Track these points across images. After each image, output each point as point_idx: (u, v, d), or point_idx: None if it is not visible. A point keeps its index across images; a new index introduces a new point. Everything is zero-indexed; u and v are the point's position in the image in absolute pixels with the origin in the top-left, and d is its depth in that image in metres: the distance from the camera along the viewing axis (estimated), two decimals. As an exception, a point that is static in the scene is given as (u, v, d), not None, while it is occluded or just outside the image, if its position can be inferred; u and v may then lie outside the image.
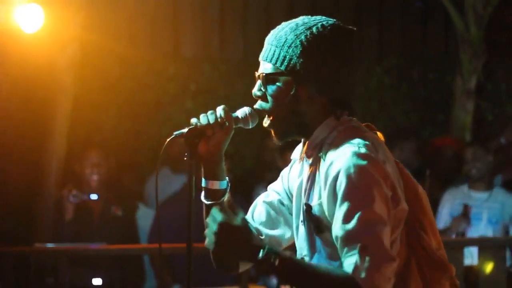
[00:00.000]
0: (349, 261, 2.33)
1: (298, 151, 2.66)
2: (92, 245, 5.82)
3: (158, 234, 6.08)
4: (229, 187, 2.62)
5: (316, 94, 2.50)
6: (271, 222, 2.71)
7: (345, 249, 2.35)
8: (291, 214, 2.69)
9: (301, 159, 2.61)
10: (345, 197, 2.37)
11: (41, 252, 5.72)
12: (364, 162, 2.38)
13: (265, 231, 2.70)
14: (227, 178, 2.61)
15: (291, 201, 2.69)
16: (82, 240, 5.97)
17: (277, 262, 2.33)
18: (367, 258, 2.31)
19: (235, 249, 2.37)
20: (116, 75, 7.88)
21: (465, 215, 6.45)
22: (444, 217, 6.56)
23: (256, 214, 2.71)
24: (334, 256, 2.47)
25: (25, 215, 6.32)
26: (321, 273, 2.35)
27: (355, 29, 2.57)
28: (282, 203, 2.72)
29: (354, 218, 2.34)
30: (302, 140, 2.60)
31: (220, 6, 8.43)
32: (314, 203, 2.48)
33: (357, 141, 2.44)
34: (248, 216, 2.73)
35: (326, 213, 2.43)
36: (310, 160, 2.54)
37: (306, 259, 2.58)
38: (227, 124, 2.57)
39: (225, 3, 8.45)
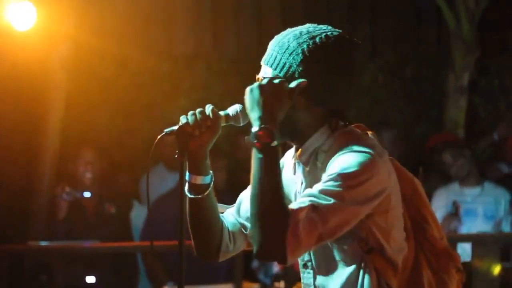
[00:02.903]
0: (300, 202, 2.38)
1: (289, 155, 2.68)
2: (85, 243, 5.82)
3: (150, 232, 6.09)
4: (212, 181, 2.63)
5: (312, 104, 2.51)
6: None
7: (303, 198, 2.39)
8: None
9: (294, 164, 2.63)
10: (333, 170, 2.41)
11: (35, 250, 5.73)
12: (364, 156, 2.42)
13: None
14: (211, 173, 2.63)
15: None
16: (75, 238, 5.97)
17: (271, 137, 2.39)
18: (313, 216, 2.35)
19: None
20: (109, 73, 7.87)
21: (456, 213, 6.46)
22: (439, 217, 6.54)
23: (243, 209, 2.73)
24: (344, 263, 2.52)
25: (19, 214, 6.32)
26: (279, 186, 2.38)
27: (360, 42, 2.57)
28: None
29: (331, 184, 2.38)
30: (294, 146, 2.62)
31: (213, 5, 8.43)
32: None
33: (356, 145, 2.46)
34: (234, 212, 2.75)
35: None
36: (307, 167, 2.57)
37: (309, 264, 2.61)
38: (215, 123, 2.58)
39: (218, 1, 8.45)
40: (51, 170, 6.45)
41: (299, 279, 6.33)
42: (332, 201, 2.36)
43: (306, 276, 2.64)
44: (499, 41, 8.73)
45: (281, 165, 2.70)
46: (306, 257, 2.62)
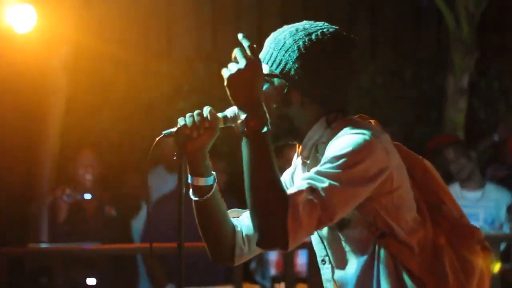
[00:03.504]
0: (298, 186, 2.36)
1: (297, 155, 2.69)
2: (86, 245, 5.83)
3: (150, 234, 6.09)
4: (215, 182, 2.63)
5: (308, 100, 2.51)
6: None
7: (300, 182, 2.37)
8: None
9: (303, 163, 2.62)
10: (329, 152, 2.40)
11: (35, 252, 5.73)
12: (360, 136, 2.40)
13: None
14: (213, 173, 2.62)
15: None
16: (76, 240, 5.97)
17: (259, 124, 2.36)
18: (312, 198, 2.33)
19: (248, 85, 2.39)
20: (109, 76, 7.88)
21: None
22: None
23: None
24: (357, 252, 2.50)
25: (19, 216, 6.32)
26: (274, 172, 2.36)
27: (356, 38, 2.56)
28: None
29: (327, 166, 2.36)
30: (297, 144, 2.61)
31: (212, 6, 8.43)
32: None
33: (351, 127, 2.45)
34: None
35: None
36: (308, 162, 2.56)
37: (326, 259, 2.60)
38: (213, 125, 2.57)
39: (218, 3, 8.45)
40: (51, 173, 6.45)
41: (299, 281, 6.36)
42: (329, 182, 2.34)
43: (325, 271, 2.62)
44: (499, 42, 8.73)
45: (294, 167, 2.72)
46: (323, 252, 2.60)
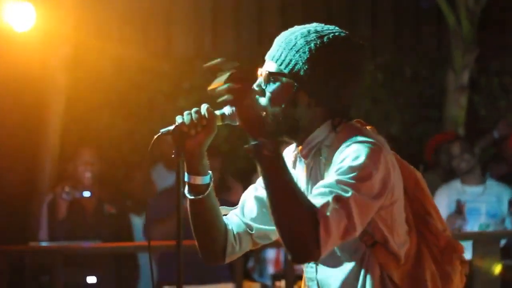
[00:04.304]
0: (321, 199, 2.33)
1: (289, 151, 2.68)
2: (86, 243, 5.83)
3: (148, 231, 6.09)
4: (212, 181, 2.63)
5: (315, 102, 2.51)
6: (262, 218, 2.72)
7: (321, 190, 2.36)
8: None
9: (295, 160, 2.63)
10: (344, 162, 2.39)
11: (36, 250, 5.73)
12: (371, 147, 2.41)
13: (255, 225, 2.72)
14: (210, 172, 2.62)
15: None
16: (76, 238, 5.97)
17: (271, 150, 2.34)
18: (338, 208, 2.32)
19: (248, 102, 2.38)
20: (109, 74, 7.88)
21: (460, 211, 6.45)
22: (442, 215, 6.49)
23: (247, 209, 2.73)
24: (345, 257, 2.51)
25: (20, 214, 6.33)
26: (294, 188, 2.34)
27: (365, 44, 2.57)
28: None
29: (345, 176, 2.36)
30: (295, 143, 2.61)
31: (212, 5, 8.43)
32: None
33: (359, 135, 2.45)
34: (238, 212, 2.75)
35: None
36: (307, 161, 2.57)
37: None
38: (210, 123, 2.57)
39: (217, 2, 8.45)
40: (51, 171, 6.46)
41: (299, 279, 6.35)
42: (351, 192, 2.33)
43: (309, 270, 2.63)
44: (499, 39, 8.73)
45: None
46: None
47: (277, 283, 6.33)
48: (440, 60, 8.69)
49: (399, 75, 8.87)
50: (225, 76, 2.42)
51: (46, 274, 5.88)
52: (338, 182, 2.35)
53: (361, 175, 2.36)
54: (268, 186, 2.35)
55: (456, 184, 6.62)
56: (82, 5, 6.76)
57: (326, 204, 2.31)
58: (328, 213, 2.30)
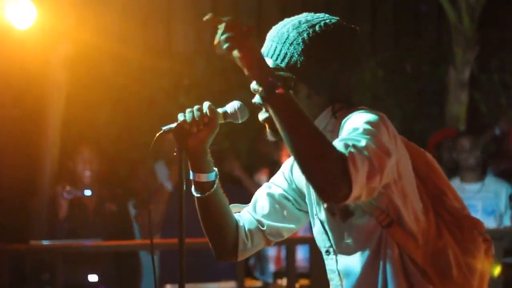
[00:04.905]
0: (338, 144, 2.26)
1: None
2: (87, 242, 5.82)
3: (149, 230, 6.08)
4: (217, 178, 2.62)
5: (314, 91, 2.50)
6: (274, 215, 2.72)
7: (336, 143, 2.28)
8: (298, 209, 2.72)
9: None
10: (351, 124, 2.35)
11: (37, 249, 5.72)
12: (371, 113, 2.39)
13: (267, 222, 2.71)
14: (215, 169, 2.62)
15: (298, 195, 2.71)
16: (77, 237, 5.97)
17: (280, 89, 2.26)
18: (356, 152, 2.24)
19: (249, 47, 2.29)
20: (109, 71, 7.87)
21: None
22: None
23: (259, 206, 2.72)
24: (362, 242, 2.48)
25: (20, 213, 6.32)
26: (314, 125, 2.27)
27: (357, 28, 2.56)
28: (287, 198, 2.72)
29: (361, 130, 2.30)
30: None
31: (212, 1, 8.42)
32: None
33: (366, 111, 2.43)
34: (250, 209, 2.74)
35: None
36: None
37: (331, 250, 2.58)
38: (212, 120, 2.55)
39: (217, -3, 8.45)
40: (51, 169, 6.45)
41: (301, 276, 6.35)
42: (365, 141, 2.25)
43: (329, 262, 2.61)
44: (500, 35, 8.72)
45: (293, 160, 2.69)
46: (327, 243, 2.59)
47: (279, 281, 6.33)
48: (441, 56, 8.69)
49: (399, 71, 8.87)
50: (221, 28, 2.36)
51: (47, 273, 5.88)
52: (347, 138, 2.28)
53: (370, 131, 2.30)
54: (287, 127, 2.26)
55: (455, 182, 6.60)
56: (82, 3, 6.75)
57: (346, 146, 2.24)
58: (352, 150, 2.22)
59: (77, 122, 7.51)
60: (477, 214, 6.48)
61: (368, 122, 2.33)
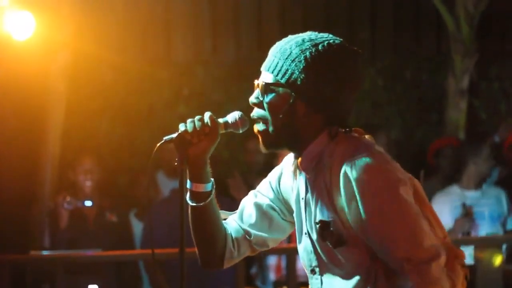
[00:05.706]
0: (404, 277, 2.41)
1: (289, 161, 2.67)
2: (87, 252, 5.81)
3: (150, 240, 6.08)
4: (214, 189, 2.64)
5: (313, 110, 2.51)
6: (260, 225, 2.73)
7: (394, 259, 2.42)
8: (284, 219, 2.74)
9: (294, 171, 2.62)
10: (372, 199, 2.42)
11: (37, 259, 5.71)
12: (381, 164, 2.43)
13: (254, 232, 2.73)
14: (212, 180, 2.63)
15: (284, 206, 2.72)
16: (77, 247, 5.96)
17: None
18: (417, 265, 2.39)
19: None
20: (109, 81, 7.88)
21: (468, 214, 6.39)
22: (447, 221, 6.40)
23: (246, 215, 2.74)
24: (352, 269, 2.51)
25: (20, 223, 6.31)
26: None
27: (360, 51, 2.58)
28: (273, 208, 2.74)
29: (392, 224, 2.41)
30: (294, 154, 2.61)
31: (212, 11, 8.43)
32: (325, 217, 2.50)
33: (362, 147, 2.46)
34: (237, 218, 2.75)
35: (350, 221, 2.46)
36: (309, 174, 2.56)
37: (317, 270, 2.59)
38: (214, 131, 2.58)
39: (217, 7, 8.45)
40: (52, 179, 6.45)
41: (301, 285, 6.33)
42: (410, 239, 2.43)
43: (314, 281, 2.62)
44: (499, 43, 8.73)
45: (280, 171, 2.71)
46: (313, 262, 2.60)
47: (278, 291, 6.32)
48: (440, 64, 8.69)
49: (399, 79, 8.87)
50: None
51: (47, 283, 5.87)
52: (394, 241, 2.42)
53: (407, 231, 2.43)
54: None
55: (455, 189, 6.58)
56: (81, 13, 6.76)
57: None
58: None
59: (77, 132, 7.52)
60: (484, 221, 6.48)
61: (394, 202, 2.43)
